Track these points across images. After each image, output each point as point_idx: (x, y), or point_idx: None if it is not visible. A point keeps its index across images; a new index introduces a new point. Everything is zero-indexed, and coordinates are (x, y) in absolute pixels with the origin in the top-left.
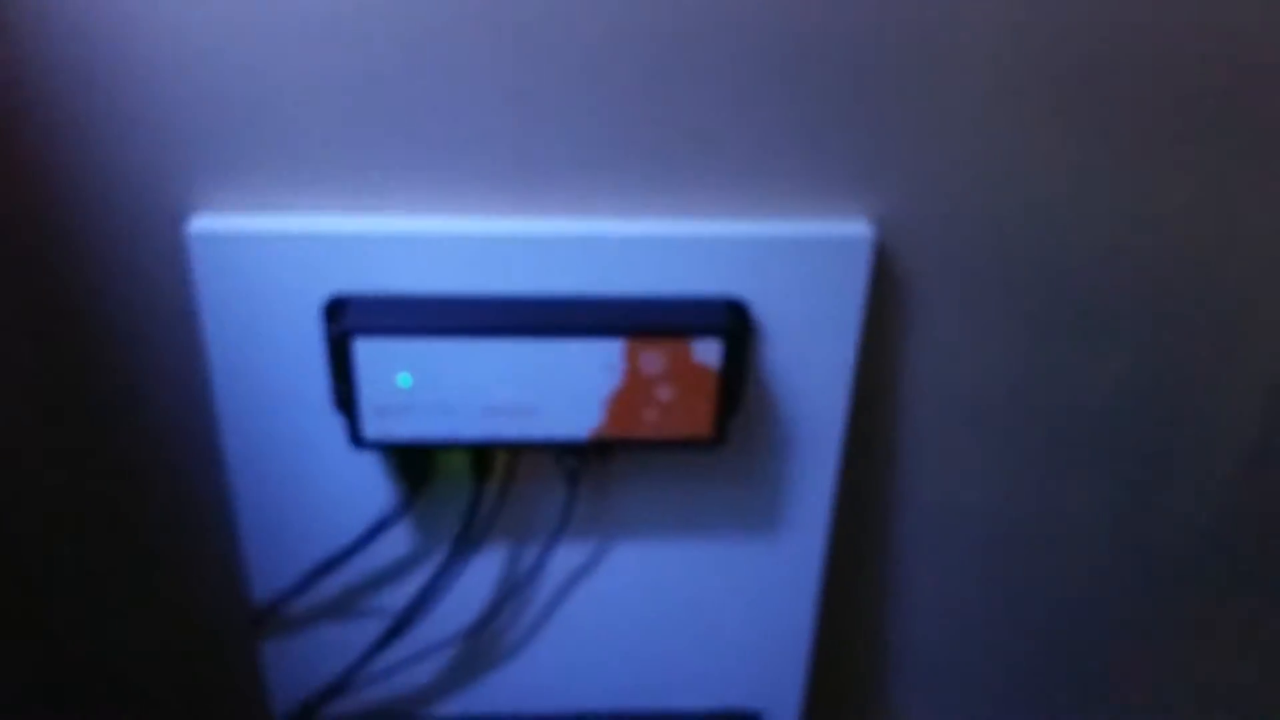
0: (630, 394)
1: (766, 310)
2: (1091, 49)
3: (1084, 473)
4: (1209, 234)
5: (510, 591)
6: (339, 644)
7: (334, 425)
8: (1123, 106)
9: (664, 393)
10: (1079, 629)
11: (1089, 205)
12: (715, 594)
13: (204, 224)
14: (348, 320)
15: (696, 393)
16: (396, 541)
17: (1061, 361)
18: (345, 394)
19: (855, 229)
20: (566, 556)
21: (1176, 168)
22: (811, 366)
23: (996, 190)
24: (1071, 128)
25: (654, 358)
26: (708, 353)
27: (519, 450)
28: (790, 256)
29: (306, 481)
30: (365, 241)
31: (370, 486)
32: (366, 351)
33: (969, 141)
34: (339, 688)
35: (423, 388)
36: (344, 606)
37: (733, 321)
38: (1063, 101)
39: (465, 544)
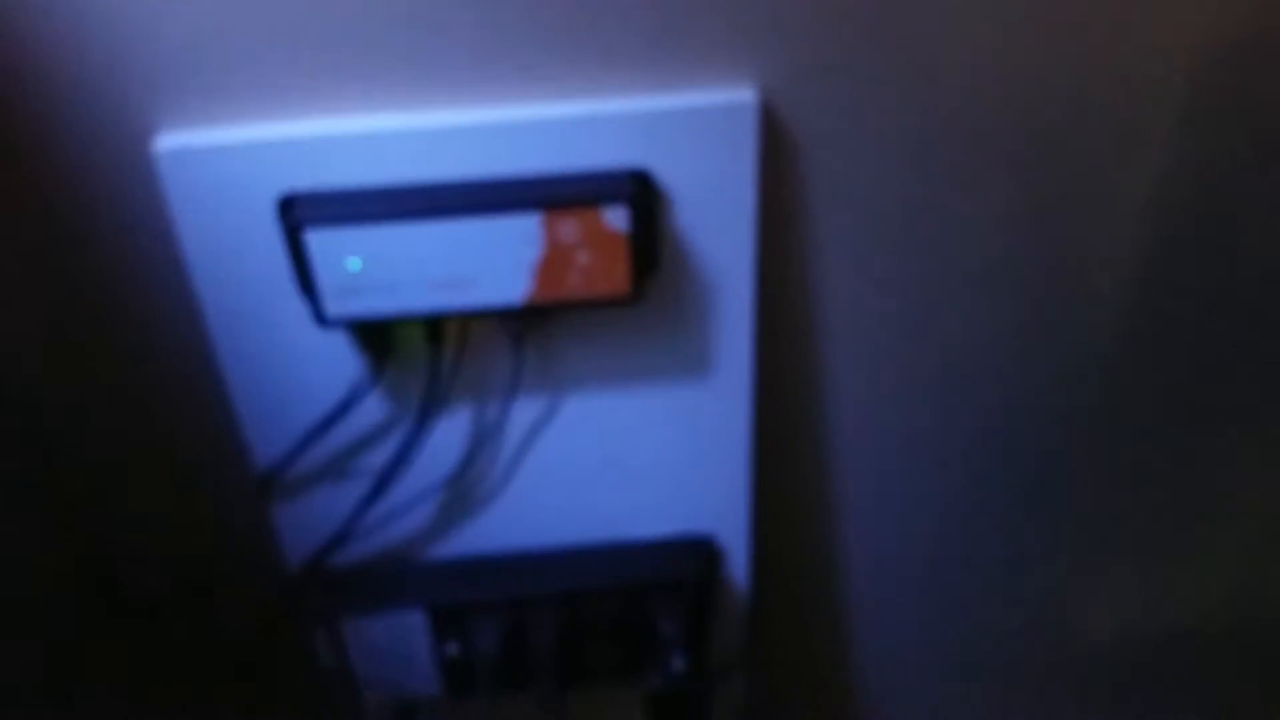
0: (553, 261)
1: (670, 178)
2: None
3: (981, 296)
4: (1080, 64)
5: (477, 446)
6: (337, 502)
7: (303, 309)
8: None
9: (582, 258)
10: (1007, 446)
11: (966, 52)
12: (660, 433)
13: (169, 141)
14: (298, 214)
15: (611, 256)
16: (372, 408)
17: (950, 196)
18: (305, 280)
19: (741, 96)
20: (523, 411)
21: (1063, 13)
22: (717, 225)
23: (874, 48)
24: None
25: (569, 227)
26: (616, 219)
27: (466, 320)
28: (685, 127)
29: (287, 361)
30: (309, 143)
31: (342, 362)
32: (318, 241)
33: (846, 7)
34: (340, 539)
35: (372, 269)
36: (336, 469)
37: (637, 189)
38: None
39: (431, 406)
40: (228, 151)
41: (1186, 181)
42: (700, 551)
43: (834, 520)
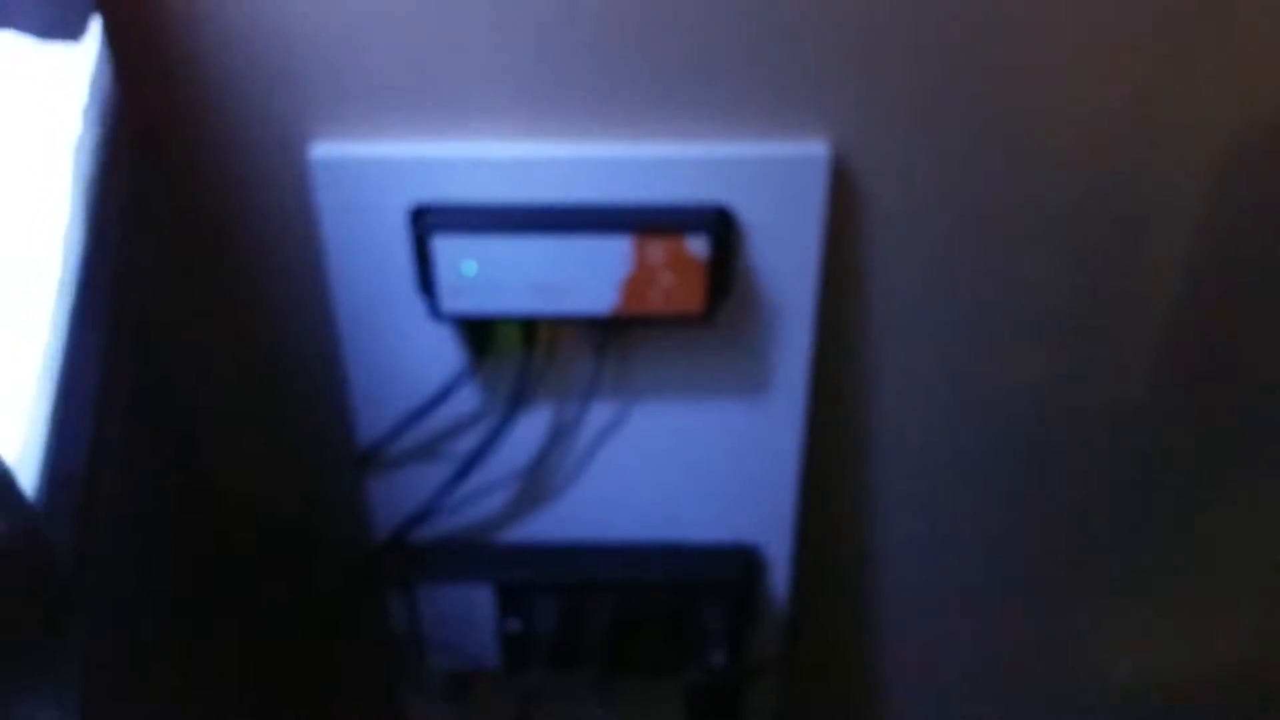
0: (639, 279)
1: (747, 215)
2: None
3: (1027, 342)
4: (1127, 138)
5: (554, 441)
6: (425, 480)
7: (418, 304)
8: (1072, 18)
9: (665, 279)
10: (1046, 482)
11: (1027, 125)
12: (718, 446)
13: (322, 150)
14: (428, 222)
15: (690, 279)
16: (467, 398)
17: (1003, 251)
18: (426, 279)
19: (814, 150)
20: (598, 414)
21: (1118, 74)
22: (786, 260)
23: (942, 116)
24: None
25: (656, 251)
26: (698, 247)
27: (558, 325)
28: (763, 172)
29: (399, 351)
30: (441, 162)
31: (446, 355)
32: (442, 246)
33: (920, 70)
34: (425, 514)
35: (484, 274)
36: (428, 451)
37: (717, 222)
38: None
39: (519, 401)
40: (372, 163)
41: (1220, 245)
42: (746, 559)
43: (875, 542)
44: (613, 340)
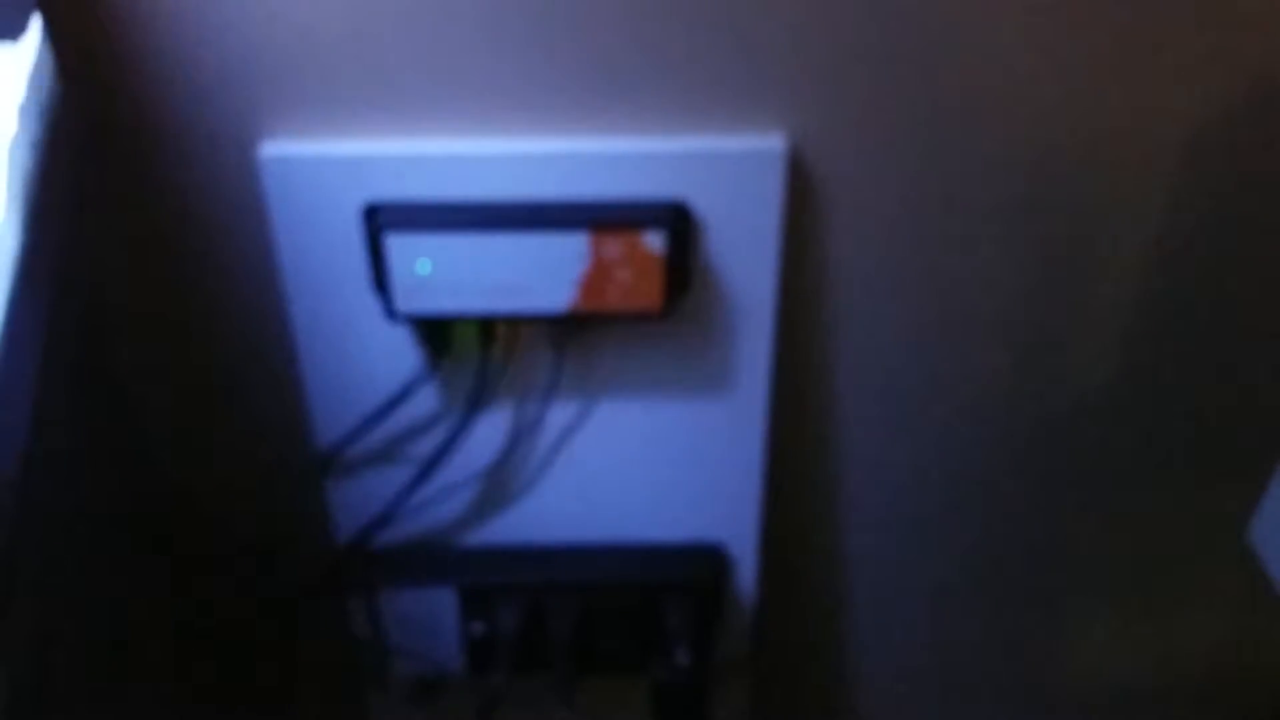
0: (596, 276)
1: (704, 210)
2: None
3: (990, 336)
4: (1087, 128)
5: (514, 442)
6: (385, 483)
7: (373, 305)
8: (1030, 13)
9: (622, 275)
10: (1009, 466)
11: (982, 114)
12: (680, 443)
13: (272, 148)
14: (381, 220)
15: (647, 275)
16: (425, 400)
17: (961, 242)
18: (380, 279)
19: (771, 143)
20: (558, 413)
21: (1074, 68)
22: (744, 255)
23: (898, 106)
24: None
25: (613, 247)
26: (654, 242)
27: (516, 323)
28: (720, 167)
29: (355, 352)
30: (394, 159)
31: (403, 356)
32: (395, 245)
33: (877, 61)
34: (386, 518)
35: (439, 272)
36: (388, 454)
37: (674, 218)
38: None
39: (477, 402)
40: (323, 162)
41: (1183, 237)
42: (710, 558)
43: (841, 539)
44: (572, 339)
